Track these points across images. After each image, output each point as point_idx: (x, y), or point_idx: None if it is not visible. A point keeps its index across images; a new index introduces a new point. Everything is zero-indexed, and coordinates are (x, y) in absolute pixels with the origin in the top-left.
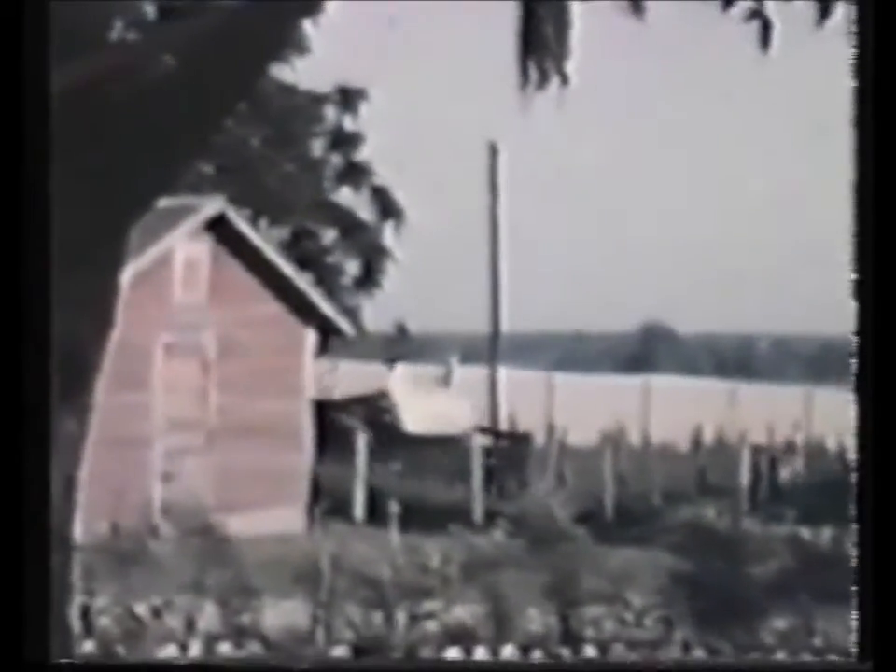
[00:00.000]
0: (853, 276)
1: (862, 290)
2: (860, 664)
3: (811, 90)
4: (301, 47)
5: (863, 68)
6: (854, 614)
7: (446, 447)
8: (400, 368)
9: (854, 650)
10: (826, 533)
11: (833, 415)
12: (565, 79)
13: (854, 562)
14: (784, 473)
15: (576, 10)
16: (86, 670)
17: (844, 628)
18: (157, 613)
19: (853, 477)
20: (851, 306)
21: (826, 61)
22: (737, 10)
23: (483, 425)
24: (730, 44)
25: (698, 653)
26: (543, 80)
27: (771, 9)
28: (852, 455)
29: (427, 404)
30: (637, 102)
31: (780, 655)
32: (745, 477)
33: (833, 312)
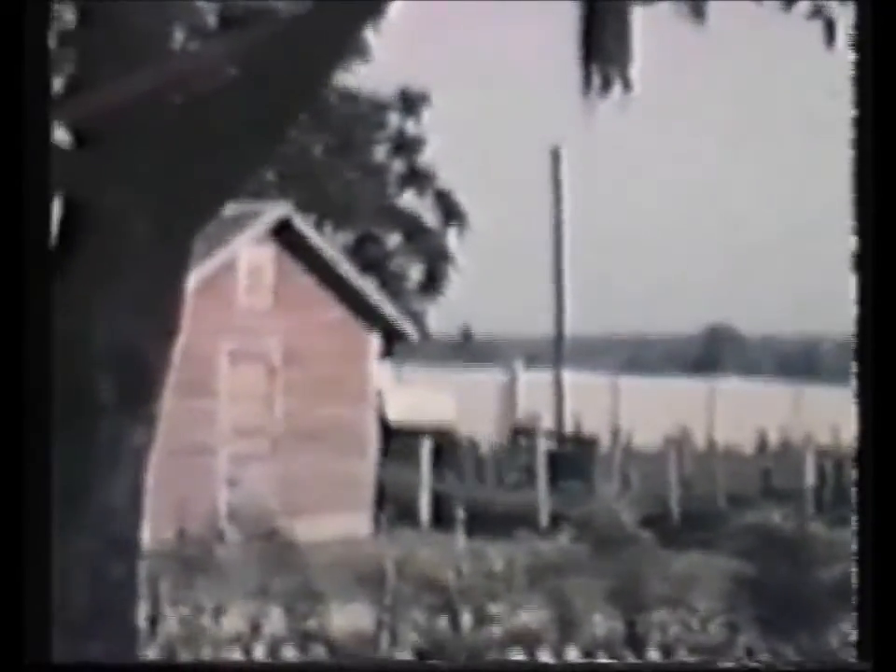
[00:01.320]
0: None
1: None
2: (860, 664)
3: None
4: (362, 52)
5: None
6: (854, 615)
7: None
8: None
9: (854, 651)
10: None
11: None
12: (627, 84)
13: (854, 562)
14: (849, 475)
15: (637, 15)
16: (86, 670)
17: None
18: (222, 617)
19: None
20: None
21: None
22: (799, 9)
23: (550, 428)
24: (793, 43)
25: (763, 659)
26: (606, 86)
27: (833, 7)
28: None
29: (408, 396)
30: (699, 105)
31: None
32: (810, 480)
33: None
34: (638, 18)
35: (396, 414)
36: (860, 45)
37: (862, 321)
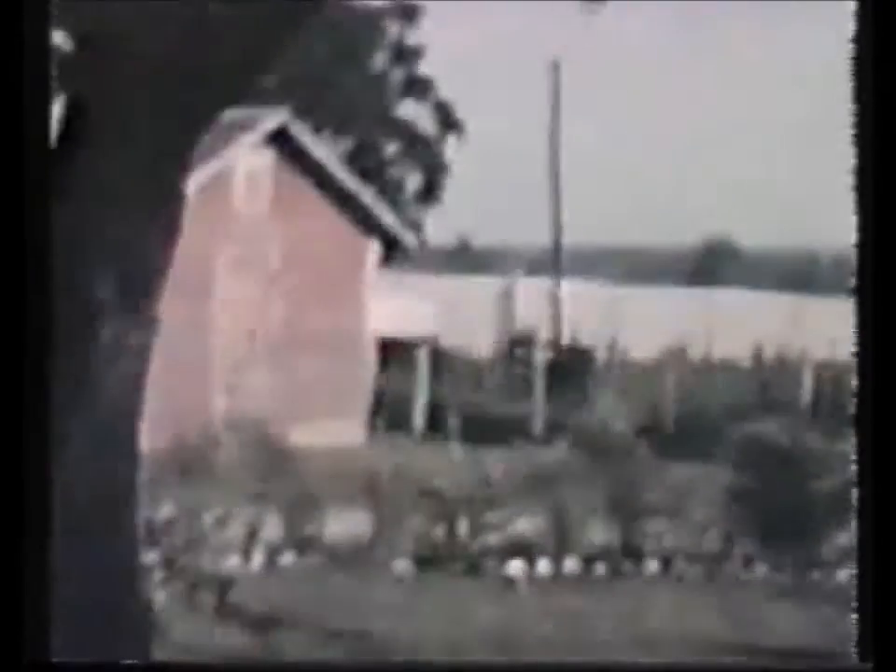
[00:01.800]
0: None
1: None
2: (860, 664)
3: None
4: None
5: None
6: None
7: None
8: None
9: (854, 651)
10: None
11: None
12: None
13: (854, 562)
14: (845, 387)
15: None
16: (86, 670)
17: None
18: (220, 523)
19: None
20: None
21: None
22: None
23: (547, 337)
24: None
25: (759, 567)
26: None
27: None
28: None
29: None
30: (701, 14)
31: (841, 572)
32: (807, 392)
33: None
34: None
35: (377, 323)
36: (860, 44)
37: (863, 232)
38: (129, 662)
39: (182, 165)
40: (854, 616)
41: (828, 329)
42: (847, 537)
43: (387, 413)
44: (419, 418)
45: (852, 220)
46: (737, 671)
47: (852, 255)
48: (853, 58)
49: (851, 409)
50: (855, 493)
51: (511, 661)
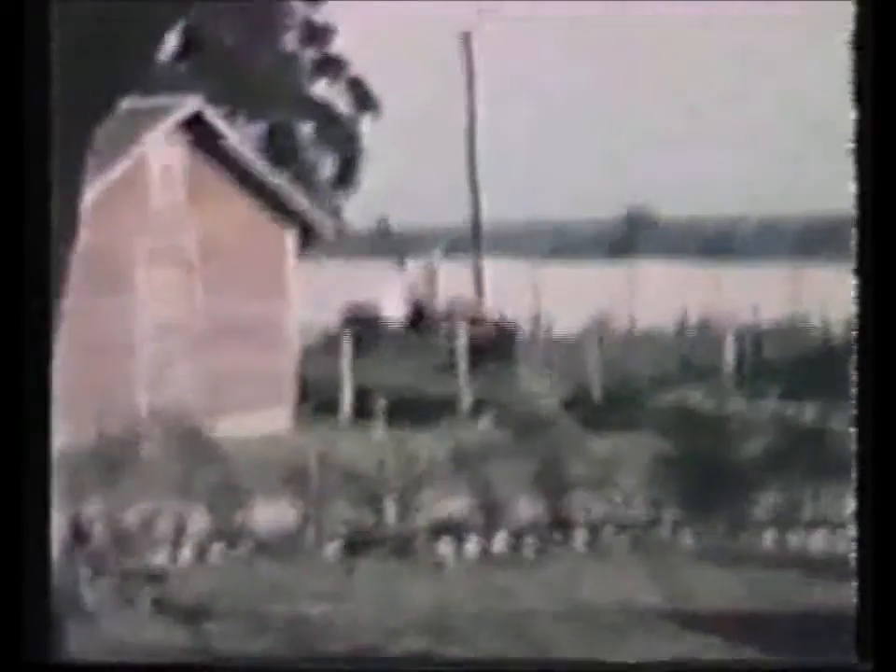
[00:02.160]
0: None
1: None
2: (860, 664)
3: None
4: None
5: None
6: (854, 615)
7: (431, 340)
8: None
9: (854, 653)
10: (810, 409)
11: (819, 292)
12: None
13: (853, 562)
14: (767, 352)
15: None
16: (86, 670)
17: (833, 500)
18: (147, 518)
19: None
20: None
21: None
22: None
23: (470, 315)
24: None
25: (687, 533)
26: None
27: None
28: (836, 330)
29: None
30: None
31: (770, 531)
32: (730, 358)
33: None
34: None
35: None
36: (859, 45)
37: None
38: (129, 662)
39: (77, 163)
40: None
41: (750, 295)
42: (772, 497)
43: (314, 399)
44: (345, 403)
45: (774, 186)
46: (737, 671)
47: (774, 220)
48: (853, 56)
49: (774, 371)
50: (855, 493)
51: (512, 660)
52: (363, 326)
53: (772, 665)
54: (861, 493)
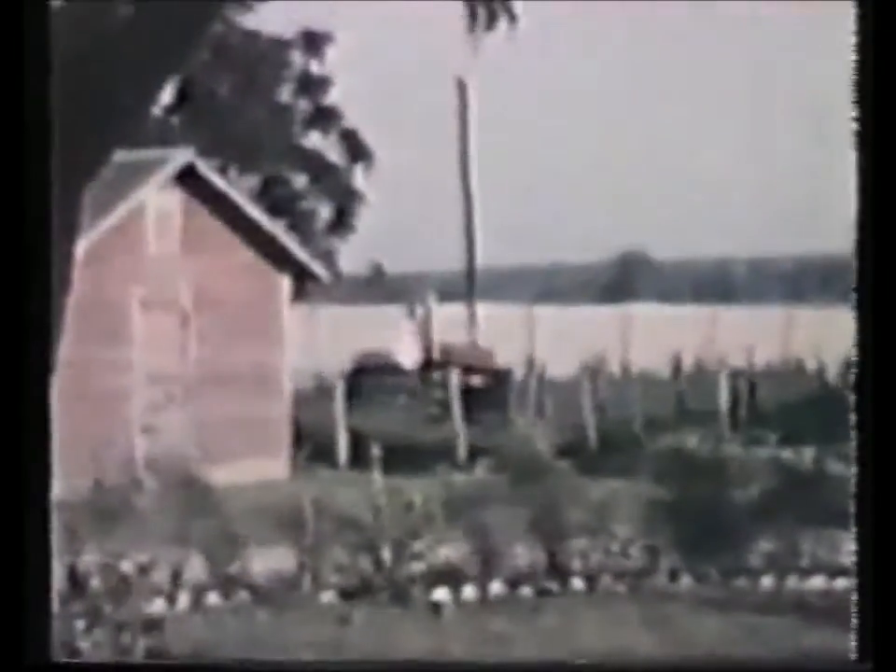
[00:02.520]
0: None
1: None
2: (860, 664)
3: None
4: None
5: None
6: (854, 615)
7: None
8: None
9: (854, 653)
10: (807, 453)
11: (812, 334)
12: (513, 18)
13: (854, 562)
14: (763, 395)
15: None
16: (86, 670)
17: (829, 547)
18: (143, 568)
19: (835, 396)
20: (828, 221)
21: None
22: None
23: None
24: None
25: (685, 580)
26: (492, 20)
27: None
28: (832, 374)
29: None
30: (605, 32)
31: (767, 578)
32: (724, 401)
33: (809, 229)
34: None
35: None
36: (860, 44)
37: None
38: (129, 662)
39: (70, 217)
40: (854, 621)
41: (743, 337)
42: (769, 544)
43: (310, 446)
44: (341, 450)
45: (763, 228)
46: (737, 671)
47: (766, 262)
48: (854, 65)
49: (768, 415)
50: (854, 494)
51: (512, 660)
52: (376, 373)
53: (772, 666)
54: (861, 493)
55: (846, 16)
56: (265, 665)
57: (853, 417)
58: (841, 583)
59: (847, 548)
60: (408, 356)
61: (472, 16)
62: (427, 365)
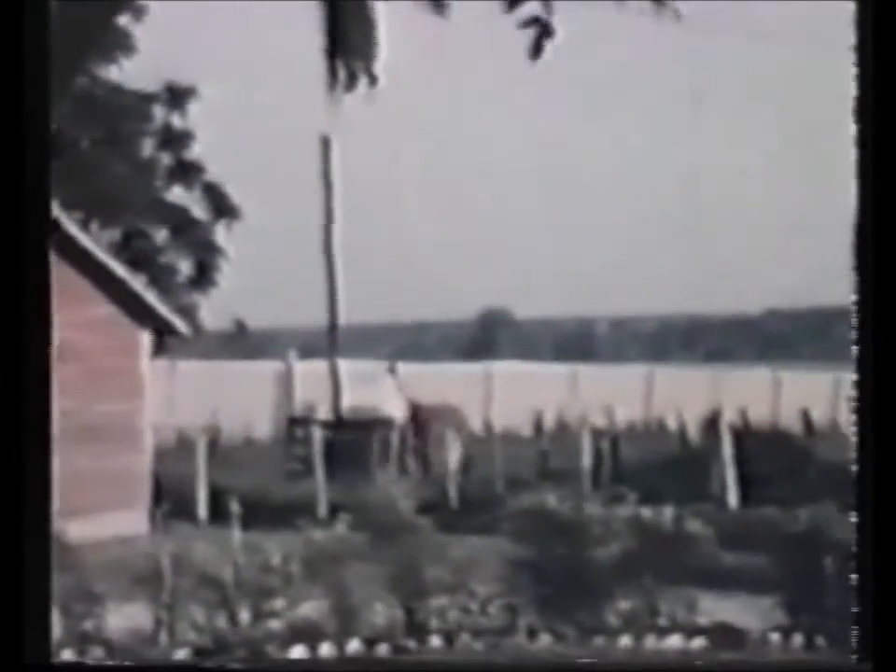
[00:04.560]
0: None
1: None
2: (860, 664)
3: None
4: (126, 46)
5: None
6: (854, 614)
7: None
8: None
9: (854, 653)
10: (667, 512)
11: (673, 394)
12: (373, 80)
13: (854, 563)
14: (625, 454)
15: (381, 10)
16: (86, 670)
17: (687, 607)
18: None
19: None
20: (684, 282)
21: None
22: (519, 14)
23: (325, 418)
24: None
25: (544, 639)
26: (352, 81)
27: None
28: (692, 433)
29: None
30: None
31: (625, 637)
32: (586, 460)
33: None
34: (383, 13)
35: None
36: (860, 45)
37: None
38: (129, 662)
39: None
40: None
41: (605, 396)
42: (628, 603)
43: (170, 501)
44: (201, 506)
45: (629, 285)
46: (738, 671)
47: (628, 322)
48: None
49: (629, 473)
50: (854, 495)
51: (511, 660)
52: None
53: (772, 666)
54: (861, 495)
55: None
56: (265, 665)
57: (854, 415)
58: (698, 643)
59: (705, 607)
60: (397, 409)
61: (333, 75)
62: (292, 422)
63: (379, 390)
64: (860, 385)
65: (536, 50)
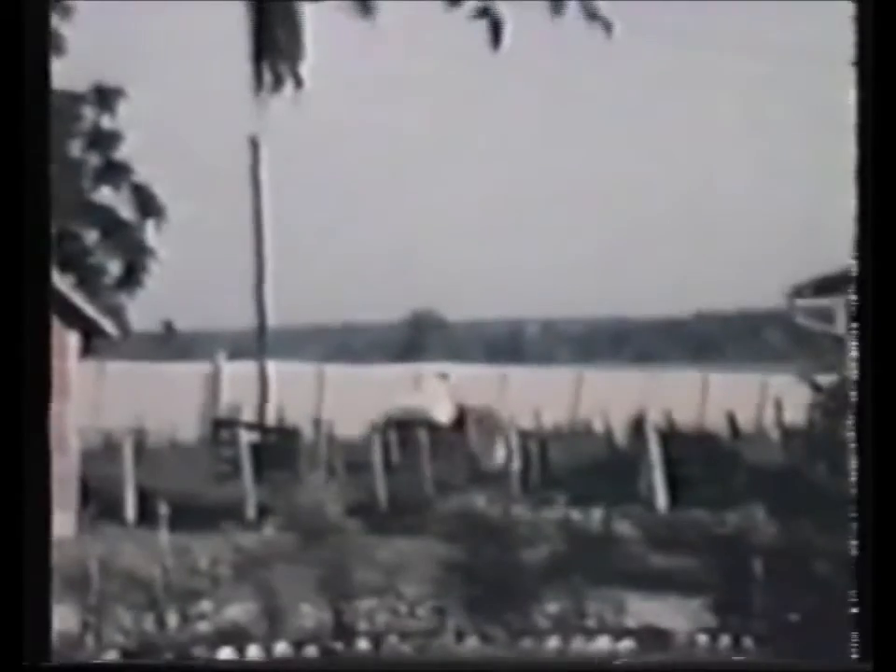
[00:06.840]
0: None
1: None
2: (860, 664)
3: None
4: (56, 47)
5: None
6: (854, 614)
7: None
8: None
9: (854, 652)
10: (595, 514)
11: (600, 396)
12: (300, 82)
13: (854, 564)
14: (553, 457)
15: (307, 13)
16: (86, 670)
17: (615, 609)
18: None
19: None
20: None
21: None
22: (466, 9)
23: (251, 420)
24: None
25: (472, 640)
26: (278, 83)
27: (499, 8)
28: (619, 436)
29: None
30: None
31: (553, 638)
32: (515, 462)
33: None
34: (309, 16)
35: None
36: (860, 44)
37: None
38: (128, 662)
39: None
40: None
41: (533, 398)
42: (556, 605)
43: (97, 503)
44: (129, 508)
45: (557, 287)
46: (738, 671)
47: (558, 324)
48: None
49: (557, 476)
50: (854, 496)
51: (511, 660)
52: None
53: (772, 666)
54: (861, 497)
55: None
56: (265, 665)
57: (854, 416)
58: (625, 645)
59: (633, 608)
60: (444, 413)
61: (259, 77)
62: (217, 424)
63: (427, 394)
64: (860, 384)
65: (495, 41)
